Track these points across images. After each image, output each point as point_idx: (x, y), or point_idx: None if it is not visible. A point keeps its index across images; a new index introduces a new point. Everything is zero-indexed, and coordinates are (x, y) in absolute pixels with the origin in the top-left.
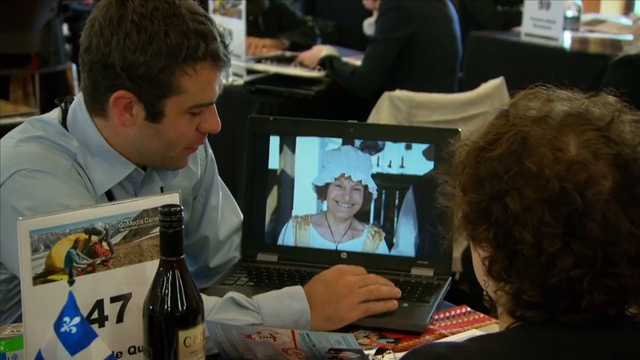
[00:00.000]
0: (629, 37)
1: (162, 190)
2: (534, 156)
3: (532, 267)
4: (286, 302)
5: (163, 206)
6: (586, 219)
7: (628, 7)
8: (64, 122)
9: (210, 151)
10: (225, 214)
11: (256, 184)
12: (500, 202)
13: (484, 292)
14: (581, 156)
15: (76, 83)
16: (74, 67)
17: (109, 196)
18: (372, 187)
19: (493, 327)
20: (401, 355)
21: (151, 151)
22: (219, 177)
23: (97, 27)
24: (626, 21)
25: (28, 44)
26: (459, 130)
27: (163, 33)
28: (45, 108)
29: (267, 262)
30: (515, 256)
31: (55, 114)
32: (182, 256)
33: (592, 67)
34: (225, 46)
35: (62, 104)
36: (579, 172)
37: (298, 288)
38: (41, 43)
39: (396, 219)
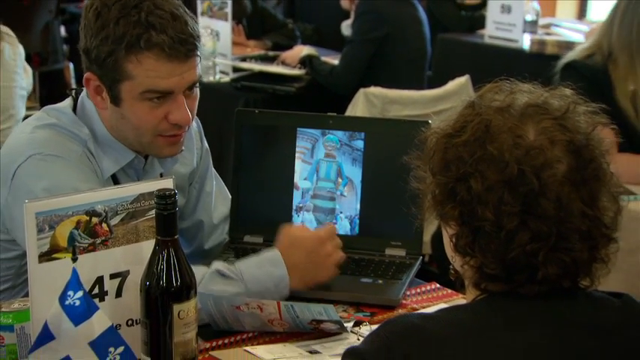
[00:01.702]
0: (582, 39)
1: (161, 176)
2: (496, 142)
3: (493, 242)
4: (266, 268)
5: (159, 190)
6: (541, 199)
7: (581, 13)
8: (74, 111)
9: (205, 142)
10: (219, 200)
11: (242, 172)
12: (465, 184)
13: (451, 267)
14: (539, 142)
15: (73, 81)
16: (71, 66)
17: (115, 180)
18: (355, 176)
19: (459, 301)
20: (376, 326)
21: (128, 137)
22: (213, 168)
23: (82, 16)
24: (579, 25)
25: (28, 44)
26: (429, 121)
27: (114, 22)
28: (44, 103)
29: (253, 244)
30: (478, 232)
31: (67, 103)
32: (176, 236)
33: (549, 67)
34: (182, 41)
35: (73, 94)
36: (536, 157)
37: (277, 254)
38: (40, 44)
39: (370, 204)
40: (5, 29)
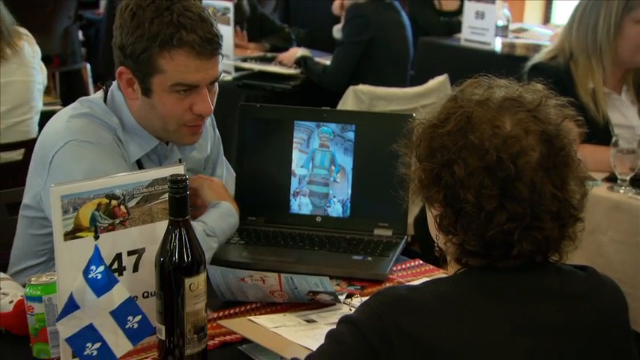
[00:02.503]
0: (547, 42)
1: (180, 161)
2: (477, 132)
3: (474, 222)
4: (227, 220)
5: (172, 175)
6: (518, 183)
7: (546, 18)
8: (105, 102)
9: (217, 132)
10: (228, 183)
11: (245, 160)
12: (449, 169)
13: (435, 244)
14: (515, 132)
15: (90, 80)
16: (88, 66)
17: (139, 164)
18: (347, 164)
19: (440, 275)
20: (367, 298)
21: (154, 125)
22: (223, 155)
23: (116, 16)
24: (545, 30)
25: (49, 47)
26: (415, 115)
27: (149, 21)
28: (64, 99)
29: (254, 224)
30: (460, 213)
31: (99, 95)
32: (187, 217)
33: (518, 67)
34: (209, 40)
35: (104, 87)
36: (513, 145)
37: (230, 207)
38: (61, 46)
39: (360, 189)
40: (24, 30)
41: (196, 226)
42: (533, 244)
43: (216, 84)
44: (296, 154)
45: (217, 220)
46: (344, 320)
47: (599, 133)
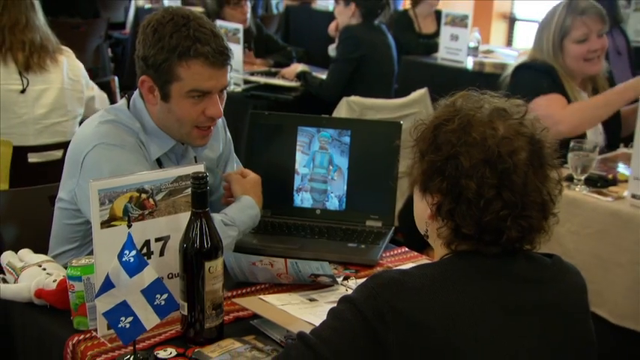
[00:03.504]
0: (512, 61)
1: (195, 160)
2: (477, 131)
3: (473, 208)
4: (247, 212)
5: (194, 173)
6: (513, 175)
7: (509, 41)
8: (128, 108)
9: (229, 133)
10: None
11: (254, 160)
12: (455, 161)
13: (425, 231)
14: (507, 134)
15: (117, 90)
16: (116, 79)
17: (159, 162)
18: (343, 164)
19: (423, 261)
20: (361, 280)
21: (171, 127)
22: (234, 153)
23: (139, 32)
24: (508, 51)
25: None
26: (401, 122)
27: (169, 36)
28: None
29: (263, 216)
30: (459, 200)
31: (122, 102)
32: (207, 209)
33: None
34: (220, 52)
35: (127, 95)
36: (508, 144)
37: (250, 200)
38: (93, 62)
39: (355, 186)
40: (66, 48)
41: (216, 217)
42: (519, 231)
43: (225, 91)
44: (299, 156)
45: (237, 211)
46: (344, 300)
47: None
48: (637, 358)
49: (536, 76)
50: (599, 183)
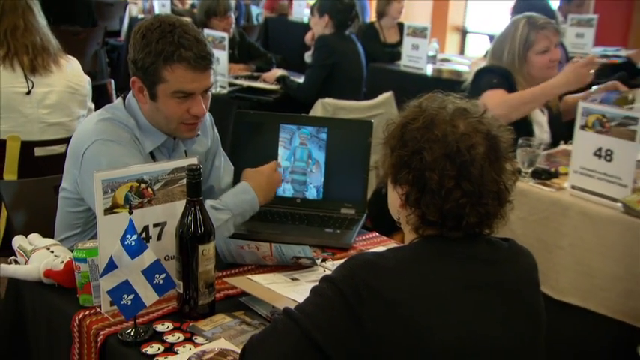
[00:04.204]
0: (467, 68)
1: (185, 154)
2: (439, 129)
3: (436, 197)
4: (241, 196)
5: (189, 165)
6: (471, 167)
7: (461, 50)
8: (124, 107)
9: (216, 130)
10: (225, 172)
11: (239, 154)
12: (419, 155)
13: (398, 218)
14: (467, 131)
15: (114, 92)
16: (112, 81)
17: (152, 156)
18: (320, 158)
19: (392, 244)
20: (338, 262)
21: (160, 124)
22: (222, 148)
23: (131, 37)
24: (461, 59)
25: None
26: (372, 121)
27: (155, 41)
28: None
29: None
30: (424, 190)
31: (119, 101)
32: (200, 197)
33: (444, 87)
34: (202, 57)
35: (123, 95)
36: (467, 140)
37: (246, 185)
38: (91, 66)
39: (331, 178)
40: (70, 57)
41: (207, 202)
42: (477, 217)
43: (210, 92)
44: (281, 150)
45: (230, 196)
46: (325, 279)
47: (526, 126)
48: (573, 327)
49: (492, 76)
50: (544, 176)
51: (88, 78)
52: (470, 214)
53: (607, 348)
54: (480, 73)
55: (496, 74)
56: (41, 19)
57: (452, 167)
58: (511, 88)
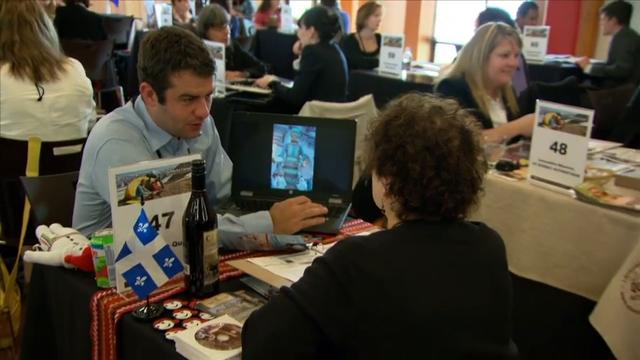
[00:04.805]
0: (436, 73)
1: (188, 151)
2: (419, 125)
3: (417, 186)
4: (259, 220)
5: (194, 160)
6: (448, 158)
7: (431, 58)
8: (134, 109)
9: (216, 130)
10: (225, 168)
11: (237, 150)
12: (402, 149)
13: (382, 206)
14: (443, 126)
15: (122, 97)
16: (121, 88)
17: (159, 153)
18: (310, 154)
19: (375, 229)
20: (327, 246)
21: (168, 124)
22: (221, 147)
23: (140, 47)
24: (431, 65)
25: (94, 75)
26: (356, 120)
27: (164, 50)
28: (106, 110)
29: (246, 196)
30: (407, 180)
31: (128, 105)
32: (204, 190)
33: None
34: (206, 64)
35: (132, 99)
36: (443, 134)
37: (266, 212)
38: (102, 75)
39: (320, 171)
40: (72, 59)
41: (225, 215)
42: (454, 202)
43: (211, 95)
44: (274, 147)
45: (250, 217)
46: (317, 260)
47: (486, 125)
48: (534, 300)
49: (449, 92)
50: (507, 167)
51: (88, 80)
52: (448, 200)
53: (563, 318)
54: (441, 85)
55: (454, 89)
56: (42, 33)
57: (432, 158)
58: (468, 104)
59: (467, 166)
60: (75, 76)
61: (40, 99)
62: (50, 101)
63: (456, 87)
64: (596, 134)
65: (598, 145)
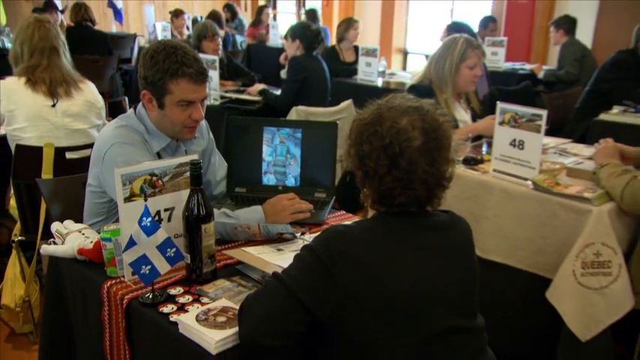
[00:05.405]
0: (409, 80)
1: (186, 153)
2: (382, 125)
3: (373, 181)
4: (252, 214)
5: (192, 160)
6: (400, 159)
7: (404, 66)
8: (135, 115)
9: (211, 133)
10: (220, 168)
11: (231, 151)
12: (361, 146)
13: (361, 196)
14: (405, 126)
15: (127, 107)
16: (126, 98)
17: (159, 155)
18: (297, 153)
19: (357, 219)
20: (314, 234)
21: (166, 128)
22: (216, 149)
23: (140, 58)
24: (404, 73)
25: (102, 87)
26: (338, 122)
27: (162, 61)
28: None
29: (240, 193)
30: (366, 175)
31: (131, 111)
32: (202, 186)
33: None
34: (200, 73)
35: (134, 106)
36: (402, 134)
37: (259, 207)
38: (109, 86)
39: (306, 169)
40: (86, 80)
41: (222, 209)
42: (407, 198)
43: (205, 101)
44: (264, 148)
45: (244, 211)
46: (305, 247)
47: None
48: (497, 279)
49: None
50: (472, 162)
51: (101, 99)
52: (400, 195)
53: (524, 294)
54: (410, 90)
55: (420, 94)
56: (64, 58)
57: (385, 157)
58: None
59: (422, 165)
60: (87, 92)
61: (54, 105)
62: (63, 108)
63: (422, 91)
64: (550, 132)
65: (551, 141)
